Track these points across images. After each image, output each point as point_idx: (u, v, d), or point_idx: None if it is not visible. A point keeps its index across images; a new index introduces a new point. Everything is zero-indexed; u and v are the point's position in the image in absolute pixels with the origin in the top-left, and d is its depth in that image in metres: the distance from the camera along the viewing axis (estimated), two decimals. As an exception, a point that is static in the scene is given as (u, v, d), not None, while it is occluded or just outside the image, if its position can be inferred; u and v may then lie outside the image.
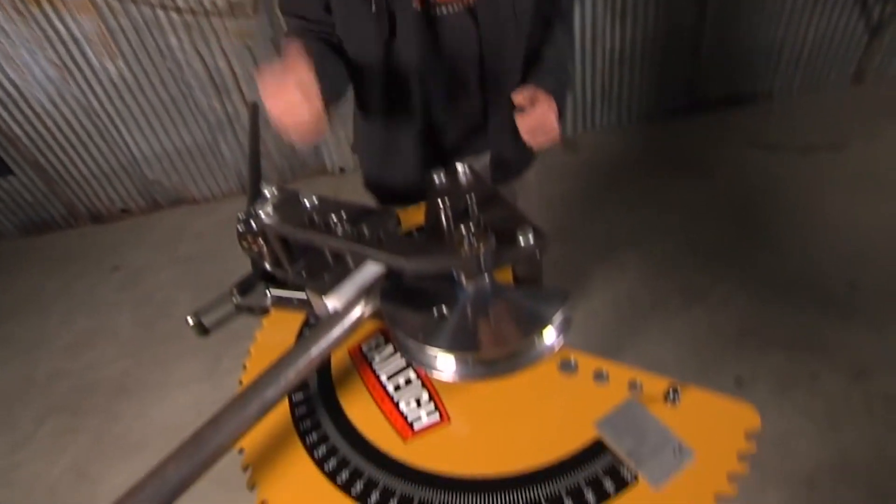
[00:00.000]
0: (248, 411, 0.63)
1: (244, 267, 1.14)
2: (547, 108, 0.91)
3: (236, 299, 0.96)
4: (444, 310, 0.69)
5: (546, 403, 0.68)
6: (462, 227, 0.67)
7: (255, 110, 1.62)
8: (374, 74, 0.93)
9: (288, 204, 0.88)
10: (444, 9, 0.88)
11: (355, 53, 0.94)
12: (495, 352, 0.64)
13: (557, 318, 0.66)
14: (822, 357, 1.62)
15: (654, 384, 0.67)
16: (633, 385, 0.68)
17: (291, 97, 0.76)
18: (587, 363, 0.71)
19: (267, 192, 0.91)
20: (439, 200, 0.74)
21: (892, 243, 1.98)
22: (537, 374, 0.68)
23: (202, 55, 2.71)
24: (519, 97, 0.91)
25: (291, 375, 0.66)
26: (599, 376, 0.70)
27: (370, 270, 0.79)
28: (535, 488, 0.59)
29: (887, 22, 2.90)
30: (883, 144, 2.56)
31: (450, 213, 0.75)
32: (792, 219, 2.19)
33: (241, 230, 1.03)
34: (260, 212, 0.85)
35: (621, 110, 3.10)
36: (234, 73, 2.79)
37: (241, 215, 1.07)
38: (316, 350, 0.69)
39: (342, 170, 3.20)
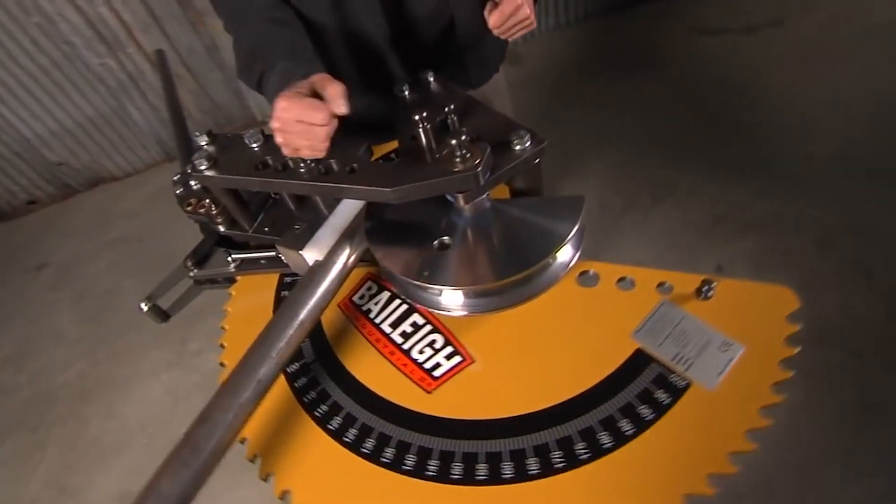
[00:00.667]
0: (243, 397, 0.53)
1: (194, 236, 0.99)
2: None
3: (193, 273, 0.83)
4: (446, 239, 0.60)
5: (573, 323, 0.61)
6: (452, 140, 0.56)
7: (163, 58, 1.39)
8: None
9: (230, 150, 0.73)
10: None
11: None
12: (510, 278, 0.56)
13: (574, 230, 0.58)
14: (790, 232, 1.65)
15: (684, 282, 0.62)
16: (662, 286, 0.62)
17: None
18: (608, 272, 0.65)
19: (202, 142, 0.76)
20: (416, 116, 0.62)
21: (840, 112, 2.00)
22: (556, 292, 0.61)
23: (76, 3, 2.30)
24: None
25: (283, 346, 0.56)
26: (624, 284, 0.64)
27: (346, 210, 0.68)
28: (585, 417, 0.53)
29: None
30: (820, 15, 2.55)
31: (429, 129, 0.64)
32: (744, 100, 2.18)
33: (180, 193, 0.88)
34: (199, 166, 0.70)
35: (559, 14, 2.93)
36: (122, 21, 2.39)
37: (177, 177, 0.91)
38: (305, 312, 0.59)
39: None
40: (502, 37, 0.84)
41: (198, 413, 0.53)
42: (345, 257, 0.64)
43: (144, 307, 0.80)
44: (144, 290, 2.35)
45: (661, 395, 0.54)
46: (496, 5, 0.83)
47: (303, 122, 0.58)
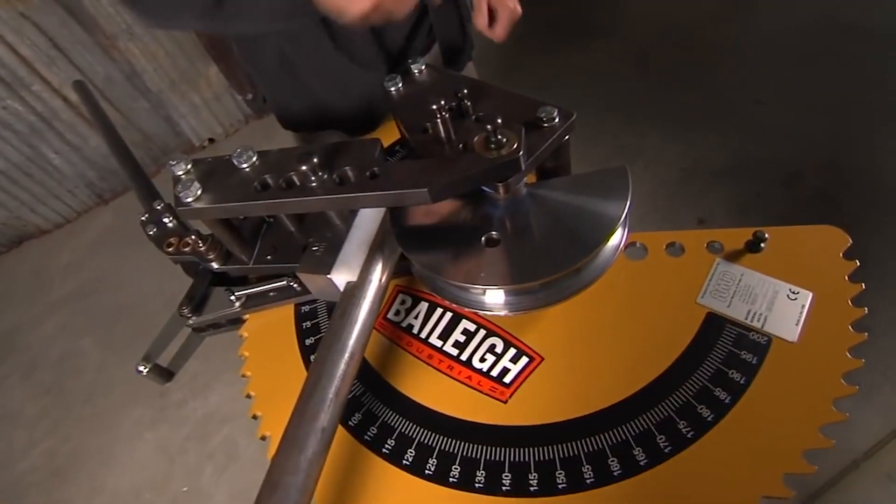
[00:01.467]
0: (310, 452, 0.46)
1: (150, 279, 0.88)
2: None
3: (191, 321, 0.74)
4: (494, 234, 0.55)
5: (635, 300, 0.58)
6: (482, 126, 0.51)
7: (84, 88, 1.24)
8: None
9: (217, 176, 0.65)
10: None
11: None
12: (573, 266, 0.51)
13: (626, 206, 0.55)
14: (758, 175, 1.72)
15: (732, 237, 0.60)
16: (711, 246, 0.60)
17: None
18: (654, 240, 0.62)
19: (179, 170, 0.66)
20: (434, 105, 0.56)
21: (775, 55, 2.09)
22: (608, 272, 0.58)
23: (-33, 49, 2.06)
24: None
25: (340, 384, 0.50)
26: (673, 249, 0.61)
27: (368, 221, 0.61)
28: (677, 395, 0.50)
29: None
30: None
31: (448, 118, 0.58)
32: (687, 55, 2.24)
33: (154, 234, 0.79)
34: (185, 198, 0.61)
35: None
36: (20, 56, 2.16)
37: (144, 217, 0.81)
38: (353, 341, 0.52)
39: (212, 140, 2.75)
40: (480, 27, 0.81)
41: (195, 470, 0.45)
42: (379, 272, 0.57)
43: (144, 370, 0.70)
44: (107, 345, 2.16)
45: (747, 356, 0.51)
46: (491, 17, 0.80)
47: None
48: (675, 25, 2.41)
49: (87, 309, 2.21)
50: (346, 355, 0.51)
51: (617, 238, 0.57)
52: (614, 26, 2.54)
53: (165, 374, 0.73)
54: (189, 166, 0.67)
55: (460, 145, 0.56)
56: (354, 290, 0.56)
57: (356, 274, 0.57)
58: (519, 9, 0.82)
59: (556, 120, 0.56)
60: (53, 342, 2.15)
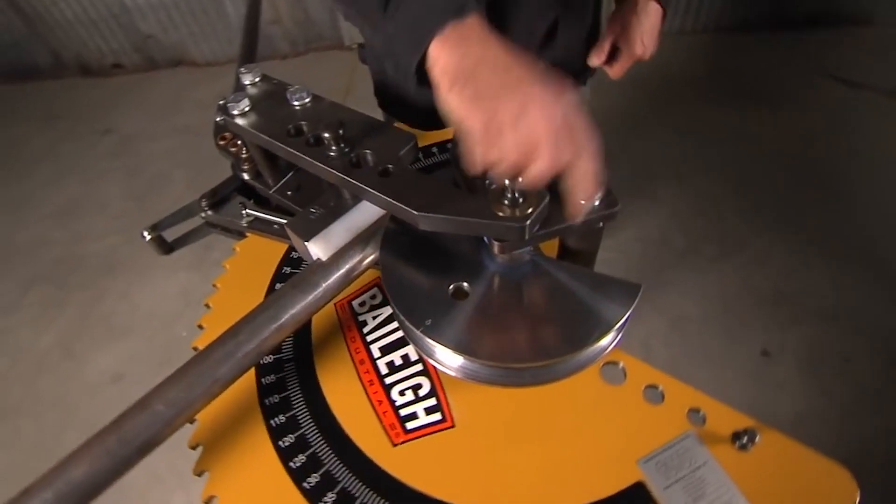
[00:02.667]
0: (194, 394, 0.48)
1: None
2: (650, 27, 0.69)
3: (205, 214, 0.78)
4: (466, 286, 0.51)
5: (580, 421, 0.52)
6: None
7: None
8: None
9: (270, 101, 0.66)
10: None
11: None
12: (529, 362, 0.47)
13: (622, 320, 0.48)
14: (859, 338, 1.46)
15: (723, 418, 0.51)
16: (694, 413, 0.52)
17: None
18: (639, 373, 0.55)
19: (246, 80, 0.68)
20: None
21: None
22: (574, 377, 0.52)
23: None
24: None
25: (252, 349, 0.50)
26: (653, 393, 0.54)
27: (370, 210, 0.59)
28: (553, 543, 0.45)
29: None
30: None
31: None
32: (864, 173, 1.91)
33: (218, 122, 0.82)
34: (232, 110, 0.63)
35: (688, 15, 2.65)
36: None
37: (223, 101, 0.85)
38: (287, 316, 0.52)
39: (361, 45, 2.82)
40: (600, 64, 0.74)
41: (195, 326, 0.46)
42: (352, 264, 0.56)
43: (147, 236, 0.76)
44: (189, 181, 2.38)
45: (649, 552, 0.45)
46: (613, 53, 0.73)
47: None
48: (865, 134, 2.05)
49: (193, 145, 2.45)
50: (273, 326, 0.51)
51: (597, 350, 0.51)
52: (797, 106, 2.21)
53: (166, 247, 0.79)
54: (257, 79, 0.69)
55: (486, 182, 0.52)
56: (318, 270, 0.55)
57: (329, 253, 0.56)
58: (647, 55, 0.73)
59: (596, 204, 0.50)
60: (157, 160, 2.42)
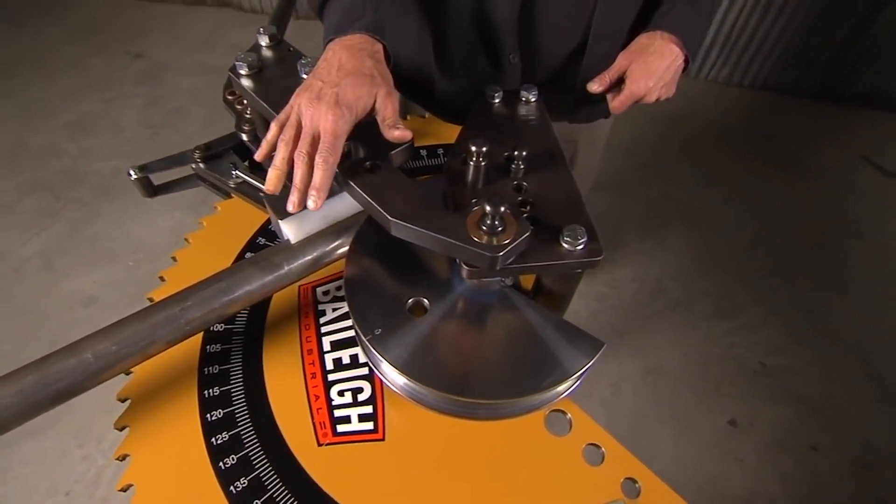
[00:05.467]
0: (126, 349, 0.46)
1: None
2: (657, 69, 0.65)
3: (196, 166, 0.76)
4: (426, 303, 0.49)
5: (514, 460, 0.51)
6: (489, 201, 0.44)
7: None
8: None
9: (280, 67, 0.64)
10: None
11: None
12: (478, 399, 0.45)
13: (580, 373, 0.46)
14: (831, 430, 1.44)
15: (657, 494, 0.49)
16: (630, 482, 0.50)
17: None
18: (584, 428, 0.53)
19: (261, 41, 0.66)
20: (473, 146, 0.50)
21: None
22: (517, 419, 0.50)
23: None
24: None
25: (197, 317, 0.49)
26: (593, 452, 0.52)
27: (350, 204, 0.57)
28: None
29: None
30: None
31: (482, 168, 0.52)
32: (875, 266, 1.87)
33: (230, 77, 0.80)
34: (240, 69, 0.61)
35: (738, 68, 2.59)
36: None
37: (242, 54, 0.83)
38: (241, 292, 0.51)
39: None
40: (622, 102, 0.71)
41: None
42: (320, 253, 0.55)
43: (133, 175, 0.74)
44: (206, 121, 2.36)
45: None
46: (619, 82, 0.70)
47: (315, 146, 0.47)
48: (889, 224, 2.01)
49: (217, 86, 2.42)
50: (225, 300, 0.50)
51: (550, 396, 0.49)
52: (826, 181, 2.17)
53: (151, 189, 0.78)
54: (269, 41, 0.67)
55: (472, 200, 0.50)
56: (282, 252, 0.53)
57: (300, 237, 0.55)
58: (652, 98, 0.70)
59: (578, 248, 0.48)
60: (180, 94, 2.40)
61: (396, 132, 0.51)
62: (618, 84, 0.71)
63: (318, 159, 0.47)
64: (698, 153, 2.26)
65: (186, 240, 0.69)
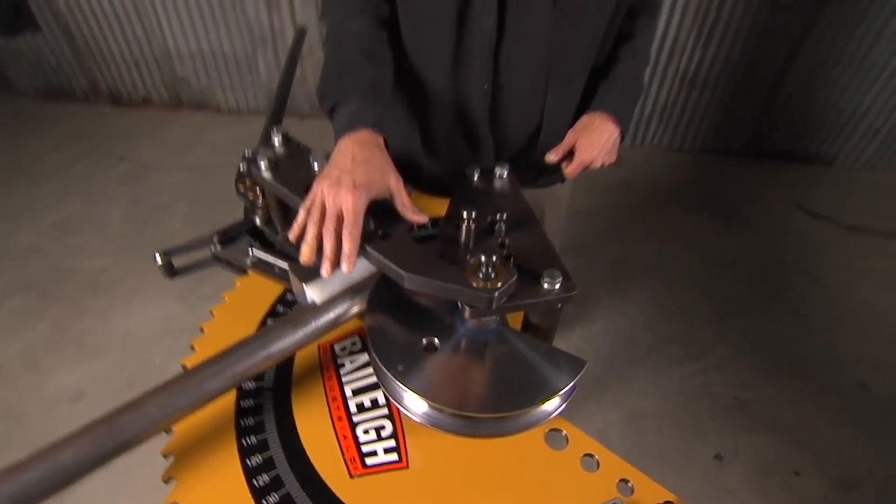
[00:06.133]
0: (182, 402, 0.53)
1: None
2: (599, 141, 0.84)
3: (215, 248, 0.86)
4: (437, 342, 0.59)
5: (522, 475, 0.58)
6: (483, 252, 0.56)
7: (301, 37, 1.48)
8: (440, 48, 0.80)
9: (293, 160, 0.77)
10: None
11: (416, 18, 0.80)
12: (483, 413, 0.54)
13: (566, 388, 0.56)
14: (810, 454, 1.52)
15: (648, 491, 0.58)
16: (623, 483, 0.58)
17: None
18: (579, 441, 0.62)
19: (275, 140, 0.80)
20: (464, 212, 0.63)
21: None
22: (521, 438, 0.59)
23: (261, -39, 2.53)
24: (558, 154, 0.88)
25: (240, 371, 0.57)
26: (589, 461, 0.60)
27: (364, 266, 0.68)
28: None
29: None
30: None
31: (473, 228, 0.64)
32: (820, 296, 2.06)
33: (241, 170, 0.93)
34: (260, 162, 0.74)
35: (677, 134, 2.92)
36: (288, -12, 2.61)
37: (248, 153, 0.96)
38: (276, 347, 0.59)
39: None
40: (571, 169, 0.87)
41: (175, 352, 0.51)
42: (341, 311, 0.64)
43: (158, 259, 0.83)
44: (190, 216, 2.47)
45: None
46: (570, 154, 0.86)
47: (340, 224, 0.59)
48: (823, 261, 2.23)
49: (199, 182, 2.56)
50: (263, 354, 0.58)
51: (543, 413, 0.58)
52: (767, 228, 2.41)
53: (172, 271, 0.86)
54: (281, 140, 0.80)
55: (467, 256, 0.61)
56: (310, 311, 0.63)
57: (323, 298, 0.64)
58: (597, 164, 0.86)
59: (556, 287, 0.59)
60: (162, 191, 2.52)
61: (417, 217, 0.64)
62: (569, 155, 0.87)
63: (344, 233, 0.58)
64: (650, 213, 2.49)
65: (211, 312, 0.77)
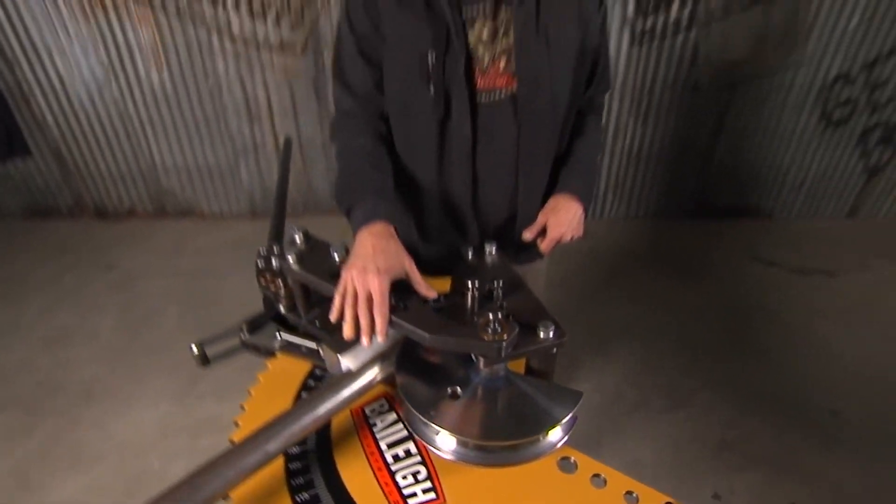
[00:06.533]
0: (248, 461, 0.63)
1: (239, 292, 1.10)
2: (566, 219, 1.02)
3: (244, 336, 0.97)
4: (459, 390, 0.71)
5: (542, 499, 0.68)
6: (489, 312, 0.70)
7: (289, 147, 1.68)
8: (428, 156, 0.99)
9: (316, 253, 0.91)
10: (490, 95, 0.95)
11: (408, 133, 1.00)
12: (500, 441, 0.65)
13: (567, 418, 0.68)
14: (801, 483, 1.61)
15: (650, 498, 0.68)
16: (629, 495, 0.69)
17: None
18: (586, 464, 0.72)
19: (297, 238, 0.94)
20: (469, 282, 0.77)
21: (878, 377, 2.02)
22: (537, 467, 0.69)
23: (244, 82, 2.83)
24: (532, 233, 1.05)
25: (296, 430, 0.67)
26: (597, 480, 0.71)
27: (389, 336, 0.80)
28: None
29: (884, 166, 3.09)
30: (873, 278, 2.67)
31: (476, 296, 0.78)
32: (783, 335, 2.24)
33: (260, 266, 1.05)
34: (288, 257, 0.87)
35: (631, 204, 3.22)
36: (269, 104, 2.89)
37: (263, 251, 1.09)
38: (324, 409, 0.70)
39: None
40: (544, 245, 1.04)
41: (175, 454, 0.61)
42: (373, 374, 0.76)
43: (195, 349, 0.93)
44: (182, 317, 2.53)
45: None
46: (543, 232, 1.03)
47: (370, 304, 0.71)
48: (781, 302, 2.44)
49: (189, 285, 2.65)
50: (313, 415, 0.68)
51: (552, 440, 0.69)
52: (725, 279, 2.63)
53: (206, 360, 0.96)
54: (302, 237, 0.94)
55: (474, 318, 0.74)
56: (348, 377, 0.74)
57: (357, 365, 0.76)
58: (567, 238, 1.02)
59: (550, 335, 0.73)
60: (151, 297, 2.58)
61: (429, 292, 0.78)
62: (542, 233, 1.04)
63: (376, 311, 0.71)
64: (619, 277, 2.70)
65: (249, 392, 0.86)
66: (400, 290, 0.79)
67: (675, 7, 2.64)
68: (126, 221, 3.29)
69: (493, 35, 0.89)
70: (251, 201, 3.25)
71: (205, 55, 2.74)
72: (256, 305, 1.03)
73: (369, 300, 0.72)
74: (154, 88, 2.82)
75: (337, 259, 0.87)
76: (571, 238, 1.04)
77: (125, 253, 2.97)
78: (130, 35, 2.66)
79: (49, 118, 2.89)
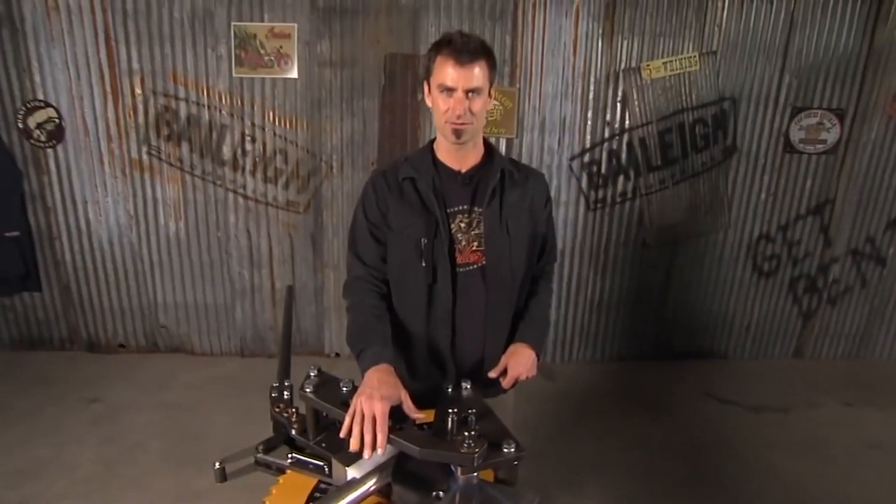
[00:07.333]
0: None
1: (224, 426, 1.19)
2: (523, 362, 1.28)
3: (259, 456, 1.14)
4: (441, 494, 0.90)
5: None
6: (465, 433, 0.92)
7: (291, 294, 1.96)
8: (419, 311, 1.28)
9: (328, 385, 1.13)
10: (465, 267, 1.28)
11: (404, 294, 1.30)
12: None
13: None
14: None
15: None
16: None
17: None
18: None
19: (312, 373, 1.17)
20: (449, 410, 1.00)
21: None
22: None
23: (250, 233, 3.21)
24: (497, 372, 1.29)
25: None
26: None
27: (387, 450, 1.01)
28: None
29: (815, 311, 3.52)
30: (822, 415, 2.92)
31: (455, 420, 1.01)
32: (741, 469, 2.39)
33: (274, 397, 1.26)
34: (307, 389, 1.09)
35: (596, 348, 3.52)
36: (271, 253, 3.25)
37: (276, 385, 1.29)
38: (334, 510, 0.87)
39: (337, 354, 3.46)
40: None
41: None
42: (373, 483, 0.94)
43: (217, 465, 1.10)
44: (164, 453, 2.60)
45: None
46: (504, 372, 1.30)
47: (374, 424, 0.92)
48: (739, 438, 2.61)
49: (174, 420, 2.69)
50: (326, 515, 0.86)
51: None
52: (685, 416, 2.81)
53: (224, 476, 1.11)
54: (316, 373, 1.17)
55: (454, 437, 0.96)
56: (352, 483, 0.93)
57: (361, 474, 0.95)
58: (523, 376, 1.27)
59: (512, 450, 0.95)
60: (135, 431, 2.60)
61: (419, 416, 1.01)
62: (504, 373, 1.29)
63: (378, 430, 0.93)
64: (587, 416, 2.88)
65: (264, 502, 1.02)
66: (397, 416, 1.02)
67: (620, 181, 3.24)
68: (116, 354, 3.38)
69: (469, 226, 1.25)
70: (242, 341, 3.42)
71: (219, 209, 3.15)
72: (242, 440, 1.16)
73: (373, 421, 0.94)
74: (169, 236, 3.18)
75: (344, 390, 1.09)
76: (527, 377, 1.30)
77: (112, 386, 3.02)
78: (158, 191, 3.09)
79: (68, 257, 3.16)
